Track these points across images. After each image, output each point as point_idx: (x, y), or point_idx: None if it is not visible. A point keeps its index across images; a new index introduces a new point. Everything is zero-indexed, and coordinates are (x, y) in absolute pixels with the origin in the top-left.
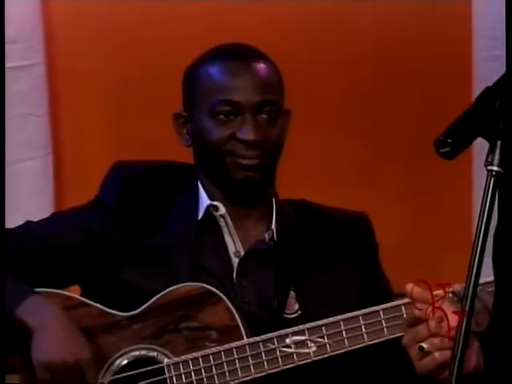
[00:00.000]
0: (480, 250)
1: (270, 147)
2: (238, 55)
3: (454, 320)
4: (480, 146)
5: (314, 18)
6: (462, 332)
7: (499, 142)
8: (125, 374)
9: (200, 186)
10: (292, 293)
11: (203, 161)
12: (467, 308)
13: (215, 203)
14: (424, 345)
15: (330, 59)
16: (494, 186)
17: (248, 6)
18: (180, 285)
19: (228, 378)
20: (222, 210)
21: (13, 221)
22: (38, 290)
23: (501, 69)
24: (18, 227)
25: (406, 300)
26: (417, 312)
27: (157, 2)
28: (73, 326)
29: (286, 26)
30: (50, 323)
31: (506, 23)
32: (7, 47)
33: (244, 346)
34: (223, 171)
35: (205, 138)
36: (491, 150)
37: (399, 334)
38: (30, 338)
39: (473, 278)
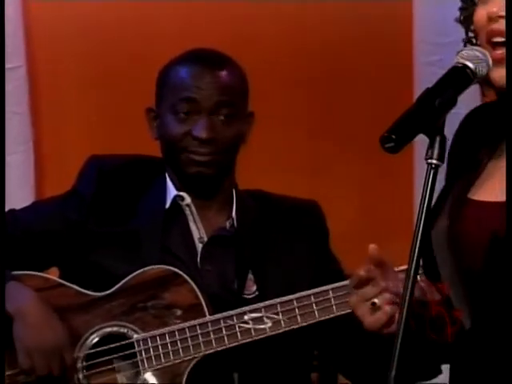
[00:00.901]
0: (421, 235)
1: (222, 146)
2: (204, 59)
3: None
4: (420, 141)
5: (267, 20)
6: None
7: (438, 138)
8: (98, 349)
9: (167, 177)
10: (250, 275)
11: (166, 155)
12: (409, 286)
13: (181, 194)
14: (376, 300)
15: (285, 60)
16: (433, 177)
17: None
18: (149, 267)
19: (192, 352)
20: (188, 199)
21: None
22: (18, 272)
23: (439, 72)
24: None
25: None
26: (362, 272)
27: (134, 2)
28: (48, 310)
29: (237, 27)
30: (26, 309)
31: (506, 23)
32: None
33: (206, 322)
34: (179, 165)
35: (166, 133)
36: (431, 145)
37: (348, 311)
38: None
39: (414, 262)
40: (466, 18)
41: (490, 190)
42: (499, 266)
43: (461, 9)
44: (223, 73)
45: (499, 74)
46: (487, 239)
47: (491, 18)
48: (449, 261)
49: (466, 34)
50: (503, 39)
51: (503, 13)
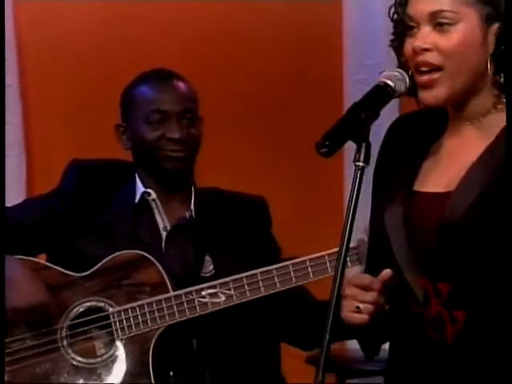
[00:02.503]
0: (350, 224)
1: (190, 144)
2: (163, 77)
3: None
4: (349, 147)
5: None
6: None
7: (364, 144)
8: (80, 320)
9: (137, 177)
10: (207, 257)
11: (140, 157)
12: (339, 272)
13: (148, 190)
14: (361, 306)
15: (226, 73)
16: (360, 177)
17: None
18: (121, 252)
19: (158, 322)
20: (154, 195)
21: None
22: (13, 257)
23: (365, 89)
24: None
25: (291, 261)
26: (368, 281)
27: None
28: (35, 278)
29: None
30: (17, 276)
31: (506, 24)
32: None
33: (170, 297)
34: (156, 163)
35: (142, 139)
36: (358, 150)
37: (288, 287)
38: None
39: (344, 246)
40: (396, 47)
41: (433, 182)
42: (450, 251)
43: (392, 40)
44: (181, 85)
45: (424, 96)
46: (436, 226)
47: (416, 52)
48: (405, 245)
49: (398, 59)
50: (427, 69)
51: (426, 46)
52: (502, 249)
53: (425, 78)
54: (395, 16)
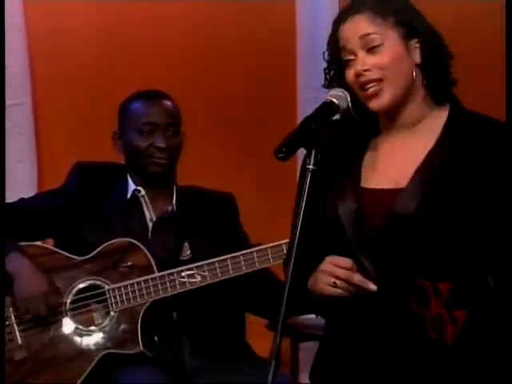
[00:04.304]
0: (301, 220)
1: (173, 152)
2: (153, 95)
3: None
4: (302, 152)
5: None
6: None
7: (313, 151)
8: (81, 296)
9: (129, 178)
10: (186, 244)
11: (131, 161)
12: (292, 256)
13: (138, 188)
14: (338, 282)
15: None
16: (310, 177)
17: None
18: (115, 239)
19: (146, 297)
20: (143, 192)
21: (13, 198)
22: (24, 243)
23: (315, 105)
24: (15, 201)
25: (255, 249)
26: (348, 264)
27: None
28: (36, 271)
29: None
30: (21, 271)
31: (506, 23)
32: (7, 91)
33: (155, 277)
34: (144, 167)
35: (134, 147)
36: (308, 155)
37: (254, 269)
38: (11, 279)
39: (297, 234)
40: (337, 78)
41: (378, 180)
42: (393, 239)
43: (331, 77)
44: (167, 103)
45: (373, 104)
46: (385, 217)
47: (359, 75)
48: (357, 233)
49: (331, 84)
50: (371, 84)
51: (366, 67)
52: (443, 236)
53: (370, 91)
54: (328, 57)
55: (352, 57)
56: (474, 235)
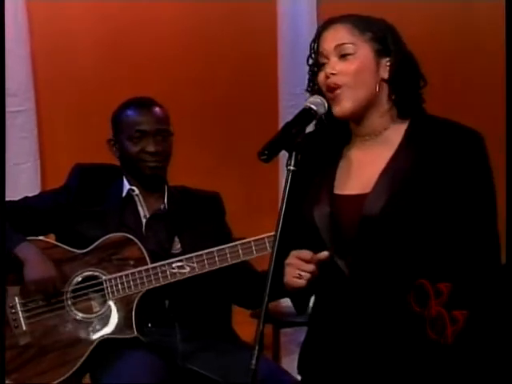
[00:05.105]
0: (283, 213)
1: (163, 155)
2: (144, 103)
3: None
4: (283, 154)
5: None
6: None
7: (294, 153)
8: (80, 285)
9: (124, 178)
10: (176, 238)
11: (126, 164)
12: (274, 255)
13: (133, 187)
14: (302, 274)
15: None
16: (291, 178)
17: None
18: (112, 234)
19: (140, 287)
20: (137, 191)
21: (17, 197)
22: (30, 238)
23: (295, 112)
24: (19, 199)
25: (239, 242)
26: (310, 256)
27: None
28: (44, 258)
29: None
30: (32, 257)
31: (506, 24)
32: (10, 99)
33: (148, 268)
34: (138, 170)
35: (127, 152)
36: (289, 157)
37: (238, 261)
38: (22, 265)
39: (279, 230)
40: (315, 82)
41: (350, 187)
42: (368, 239)
43: (310, 80)
44: (157, 110)
45: (335, 110)
46: (358, 220)
47: (327, 76)
48: (332, 235)
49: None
50: (334, 87)
51: (333, 71)
52: (411, 234)
53: (333, 94)
54: (311, 60)
55: (326, 61)
56: (440, 232)
